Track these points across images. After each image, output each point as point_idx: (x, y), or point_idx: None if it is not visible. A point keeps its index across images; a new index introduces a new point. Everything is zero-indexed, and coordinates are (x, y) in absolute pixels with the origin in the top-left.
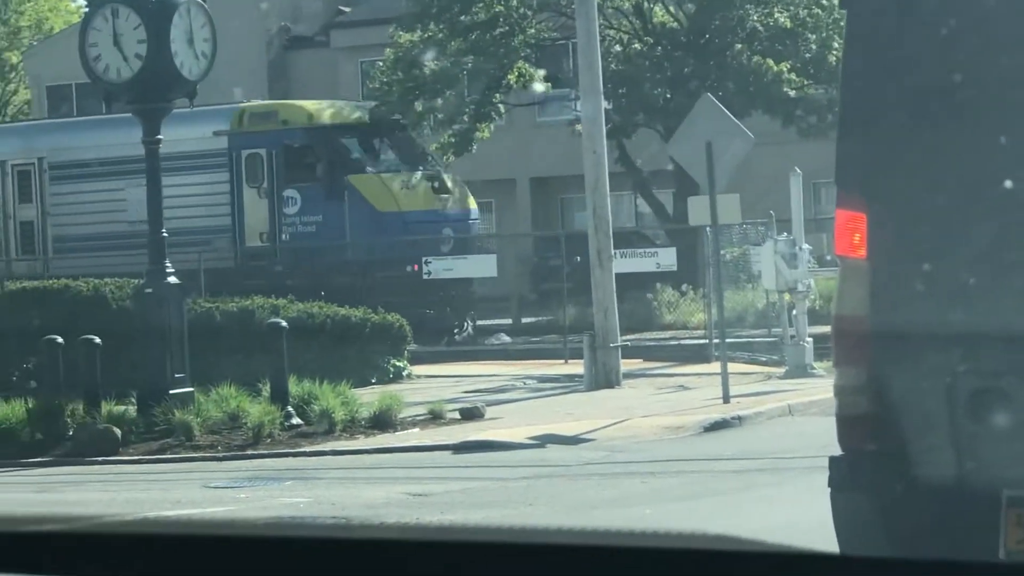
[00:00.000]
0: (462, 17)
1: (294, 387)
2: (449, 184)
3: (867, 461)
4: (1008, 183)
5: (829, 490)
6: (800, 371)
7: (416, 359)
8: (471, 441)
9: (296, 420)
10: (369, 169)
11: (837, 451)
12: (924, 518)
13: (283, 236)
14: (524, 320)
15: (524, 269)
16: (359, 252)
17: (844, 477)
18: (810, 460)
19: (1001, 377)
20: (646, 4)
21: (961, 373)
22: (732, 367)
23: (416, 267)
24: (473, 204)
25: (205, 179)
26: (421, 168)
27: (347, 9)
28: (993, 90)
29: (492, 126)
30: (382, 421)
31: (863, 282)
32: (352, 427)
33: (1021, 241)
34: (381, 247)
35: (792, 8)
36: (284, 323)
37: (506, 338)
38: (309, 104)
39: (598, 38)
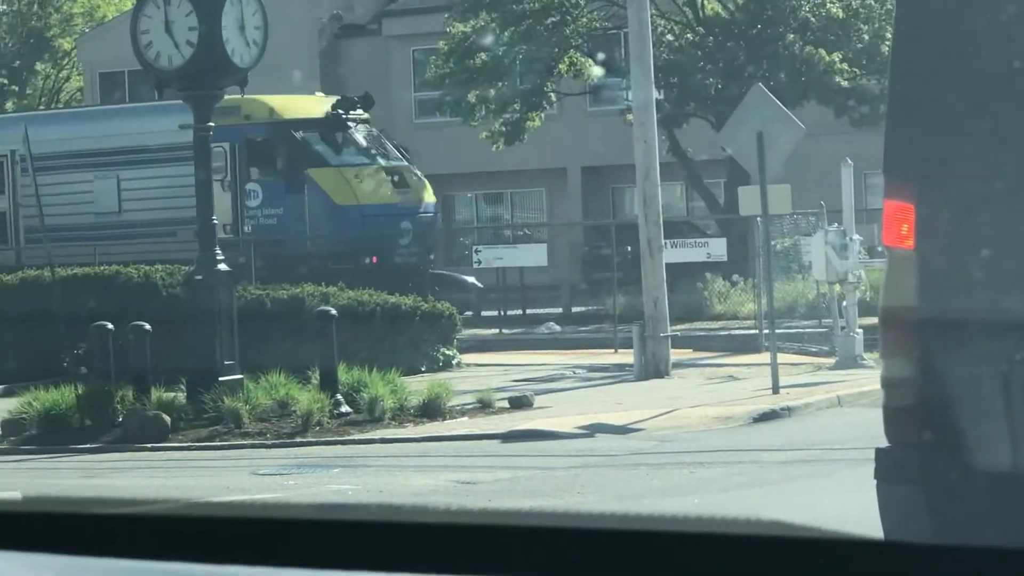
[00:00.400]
0: (514, 6)
1: (343, 375)
2: (409, 178)
3: (915, 452)
4: None
5: (875, 482)
6: (850, 362)
7: (466, 347)
8: (519, 430)
9: (345, 408)
10: (329, 163)
11: (885, 443)
12: (973, 508)
13: (246, 228)
14: (575, 309)
15: (575, 258)
16: (319, 244)
17: (892, 468)
18: (859, 452)
19: None
20: None
21: (1018, 361)
22: (782, 358)
23: (375, 259)
24: (431, 197)
25: (171, 172)
26: (382, 161)
27: None
28: None
29: (543, 115)
30: (431, 409)
31: (911, 272)
32: (401, 415)
33: None
34: (342, 239)
35: None
36: (333, 311)
37: (556, 327)
38: (271, 99)
39: (650, 27)
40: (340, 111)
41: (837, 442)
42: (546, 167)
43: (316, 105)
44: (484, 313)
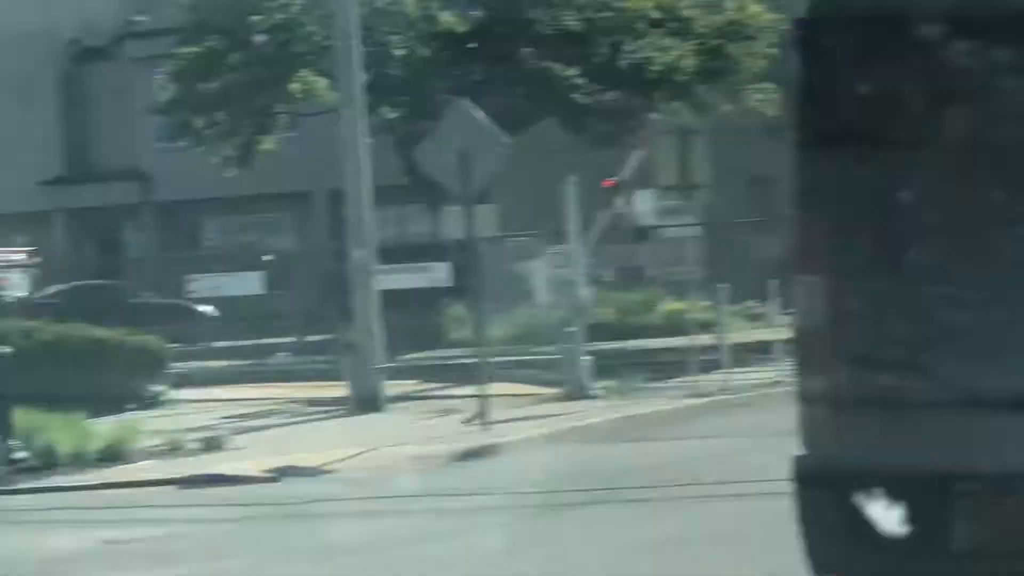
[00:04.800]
0: (240, 30)
1: (22, 418)
2: None
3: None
4: None
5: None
6: (577, 392)
7: (194, 381)
8: (200, 475)
9: (21, 454)
10: None
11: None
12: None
13: None
14: (313, 338)
15: (318, 284)
16: None
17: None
18: (547, 496)
19: None
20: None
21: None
22: (507, 388)
23: None
24: None
25: None
26: None
27: (142, 18)
28: None
29: (280, 138)
30: (114, 454)
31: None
32: (82, 461)
33: None
34: None
35: (583, 11)
36: (7, 349)
37: (286, 357)
38: None
39: (358, 42)
40: None
41: (531, 485)
42: (291, 191)
43: None
44: (221, 344)
